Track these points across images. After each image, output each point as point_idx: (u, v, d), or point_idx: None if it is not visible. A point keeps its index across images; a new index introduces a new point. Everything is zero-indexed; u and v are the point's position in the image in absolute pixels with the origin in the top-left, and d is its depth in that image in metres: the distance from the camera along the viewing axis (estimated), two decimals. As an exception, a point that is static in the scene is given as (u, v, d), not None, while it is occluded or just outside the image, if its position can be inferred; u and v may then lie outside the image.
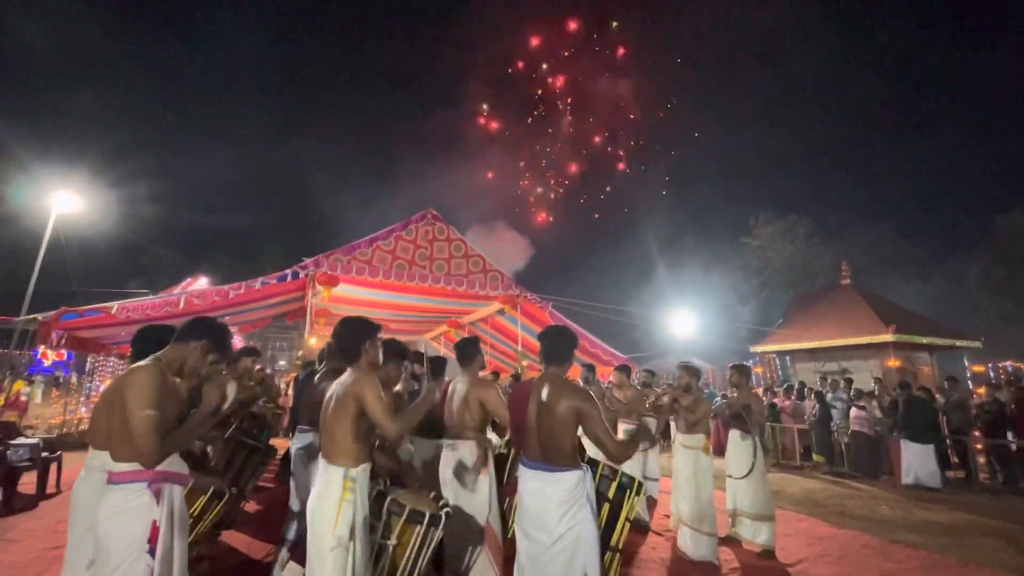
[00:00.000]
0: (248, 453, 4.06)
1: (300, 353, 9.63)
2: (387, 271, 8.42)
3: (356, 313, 2.78)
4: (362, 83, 67.37)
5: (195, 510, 3.09)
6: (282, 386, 9.38)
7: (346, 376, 2.36)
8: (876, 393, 9.06)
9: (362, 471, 2.23)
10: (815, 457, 9.21)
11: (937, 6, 51.30)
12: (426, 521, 2.34)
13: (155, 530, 1.86)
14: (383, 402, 2.25)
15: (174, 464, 2.02)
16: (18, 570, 3.63)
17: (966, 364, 15.64)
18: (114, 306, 6.66)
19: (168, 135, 52.43)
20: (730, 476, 4.74)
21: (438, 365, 4.35)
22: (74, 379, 12.50)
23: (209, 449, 3.76)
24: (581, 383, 5.05)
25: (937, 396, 8.95)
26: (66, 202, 9.75)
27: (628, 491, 2.76)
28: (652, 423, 5.73)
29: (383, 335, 2.58)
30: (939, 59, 47.53)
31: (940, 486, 7.23)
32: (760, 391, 11.31)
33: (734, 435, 4.77)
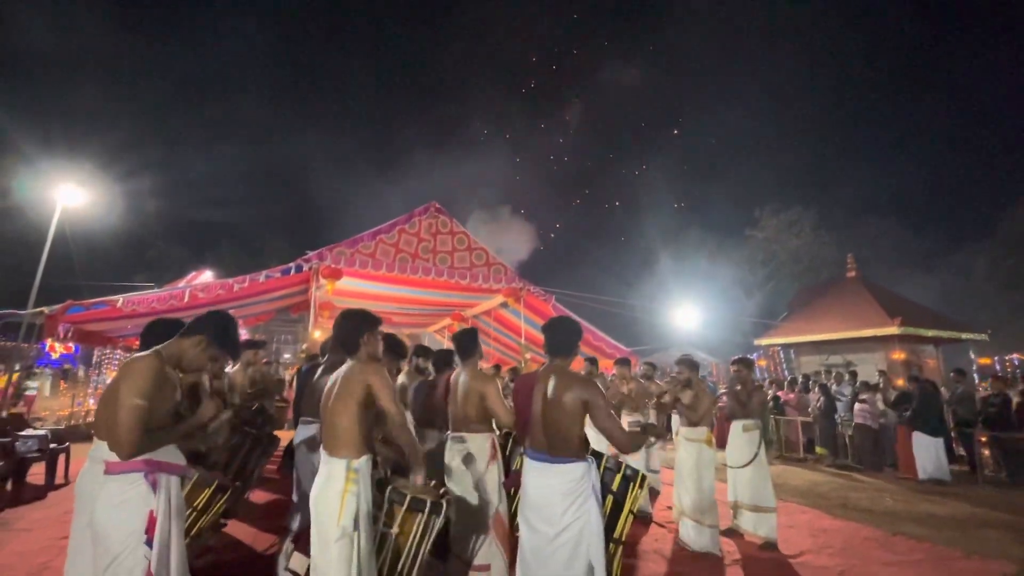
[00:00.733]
0: (251, 444, 4.08)
1: (304, 346, 9.68)
2: (390, 264, 8.43)
3: (360, 306, 2.78)
4: (365, 74, 67.21)
5: (200, 502, 3.12)
6: (286, 379, 9.44)
7: (346, 367, 2.36)
8: (881, 386, 9.03)
9: (365, 462, 2.24)
10: (818, 450, 9.20)
11: (946, -4, 50.51)
12: (427, 509, 2.35)
13: (152, 521, 1.86)
14: (392, 388, 2.28)
15: (171, 454, 2.02)
16: (28, 559, 3.69)
17: (972, 357, 15.57)
18: (120, 299, 6.69)
19: (172, 128, 52.55)
20: (729, 466, 4.74)
21: (443, 358, 4.34)
22: (81, 372, 12.61)
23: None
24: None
25: (942, 389, 8.91)
26: (71, 196, 9.79)
27: (632, 483, 2.76)
28: (652, 415, 5.74)
29: (386, 328, 2.59)
30: (948, 50, 46.92)
31: (948, 479, 7.22)
32: (764, 384, 11.30)
33: (736, 426, 4.77)
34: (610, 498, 2.70)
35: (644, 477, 2.84)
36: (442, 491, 2.63)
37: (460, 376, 3.40)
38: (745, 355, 5.02)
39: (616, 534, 2.66)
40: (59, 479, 5.97)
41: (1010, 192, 33.85)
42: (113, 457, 1.89)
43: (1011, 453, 7.52)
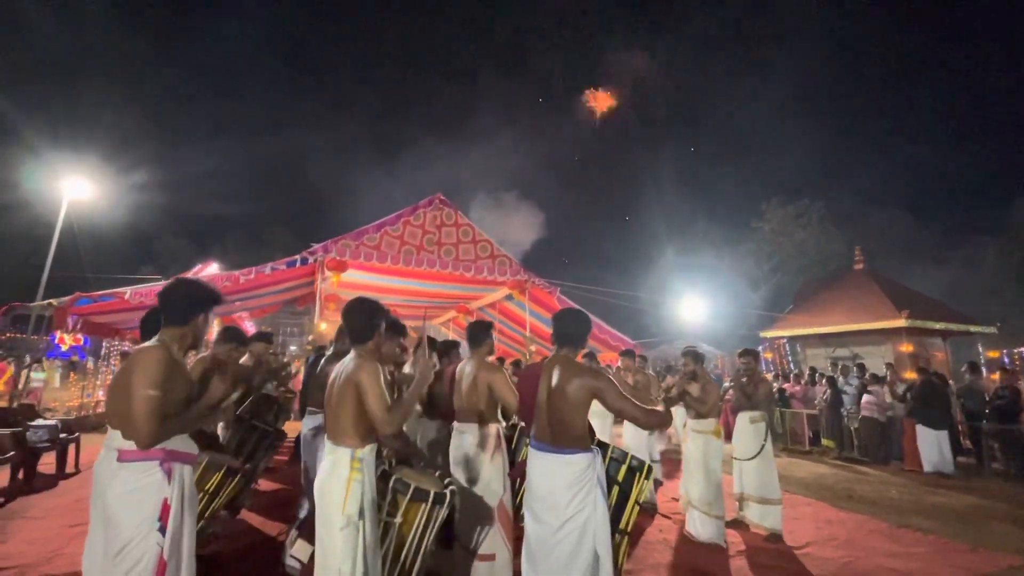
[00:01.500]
0: (259, 436, 4.11)
1: (310, 338, 9.72)
2: (395, 256, 8.44)
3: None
4: (369, 65, 66.95)
5: (210, 487, 3.14)
6: (292, 370, 9.50)
7: (350, 359, 2.36)
8: (888, 379, 8.99)
9: (369, 451, 2.24)
10: (824, 442, 9.18)
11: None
12: (431, 499, 2.36)
13: (166, 508, 1.89)
14: (381, 392, 2.20)
15: (184, 443, 2.04)
16: (39, 546, 3.74)
17: (980, 350, 15.44)
18: (127, 291, 6.75)
19: (178, 121, 52.61)
20: (736, 458, 4.73)
21: (448, 348, 4.35)
22: (90, 363, 12.71)
23: (220, 428, 3.82)
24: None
25: (951, 382, 8.85)
26: (78, 189, 9.84)
27: (638, 474, 2.76)
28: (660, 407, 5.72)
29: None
30: (957, 41, 46.20)
31: (952, 472, 7.19)
32: (770, 376, 11.26)
33: (742, 418, 4.76)
34: (616, 489, 2.70)
35: (651, 468, 2.83)
36: (447, 482, 2.64)
37: (466, 367, 3.40)
38: (750, 347, 4.98)
39: (622, 525, 2.67)
40: (69, 468, 6.04)
41: (1019, 184, 33.47)
42: (126, 445, 1.90)
43: (1018, 446, 7.48)
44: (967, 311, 14.86)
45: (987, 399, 8.09)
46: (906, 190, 42.20)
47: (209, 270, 11.62)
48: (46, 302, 6.67)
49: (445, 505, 2.42)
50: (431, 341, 4.67)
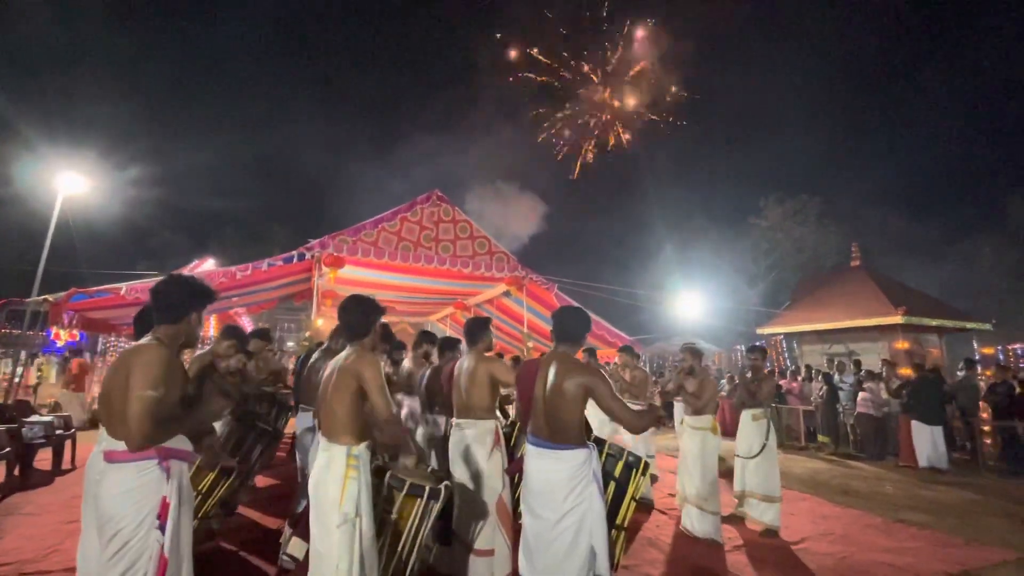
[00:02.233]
0: (257, 435, 4.10)
1: (307, 334, 9.69)
2: (392, 252, 8.41)
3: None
4: (366, 60, 66.56)
5: (204, 486, 3.13)
6: (289, 367, 9.48)
7: (344, 355, 2.35)
8: (884, 375, 9.02)
9: (364, 448, 2.24)
10: (820, 438, 9.22)
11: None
12: (426, 495, 2.37)
13: (165, 506, 1.88)
14: (383, 383, 2.24)
15: (180, 441, 2.03)
16: (36, 542, 3.73)
17: (975, 346, 15.52)
18: (123, 287, 6.70)
19: (174, 116, 52.28)
20: (739, 456, 4.73)
21: (448, 344, 4.34)
22: (87, 359, 12.67)
23: (217, 427, 3.81)
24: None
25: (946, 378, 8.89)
26: (73, 184, 9.76)
27: (634, 470, 2.77)
28: (657, 401, 5.75)
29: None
30: (954, 39, 46.22)
31: (947, 467, 7.24)
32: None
33: (746, 415, 4.76)
34: (612, 485, 2.70)
35: (647, 464, 2.84)
36: (440, 477, 2.65)
37: (464, 363, 3.40)
38: (757, 343, 4.97)
39: (619, 520, 2.68)
40: (66, 464, 6.03)
41: (1015, 181, 33.54)
42: (116, 446, 1.88)
43: (1012, 442, 7.53)
44: (963, 308, 14.92)
45: (982, 395, 8.14)
46: (903, 188, 42.26)
47: (206, 266, 11.59)
48: (41, 298, 6.62)
49: (440, 500, 2.43)
50: (431, 336, 4.68)
